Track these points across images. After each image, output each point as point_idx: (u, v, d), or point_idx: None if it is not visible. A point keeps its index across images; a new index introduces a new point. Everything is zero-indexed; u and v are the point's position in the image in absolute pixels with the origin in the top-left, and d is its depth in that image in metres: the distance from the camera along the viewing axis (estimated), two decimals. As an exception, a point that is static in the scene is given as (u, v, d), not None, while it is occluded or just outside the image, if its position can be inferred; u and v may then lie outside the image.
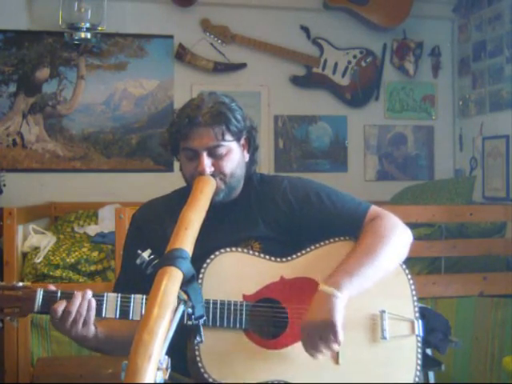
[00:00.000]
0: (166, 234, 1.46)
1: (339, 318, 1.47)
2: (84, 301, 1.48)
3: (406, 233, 1.67)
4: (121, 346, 1.53)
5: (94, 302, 1.48)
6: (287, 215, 1.68)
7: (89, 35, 3.90)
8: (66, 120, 4.10)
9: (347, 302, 1.52)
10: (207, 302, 1.51)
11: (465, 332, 3.13)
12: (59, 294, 1.49)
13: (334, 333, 1.47)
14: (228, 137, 1.65)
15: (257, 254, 1.61)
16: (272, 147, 4.37)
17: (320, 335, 1.47)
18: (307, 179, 1.79)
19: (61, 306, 1.47)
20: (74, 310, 1.47)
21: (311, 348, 1.49)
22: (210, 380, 1.48)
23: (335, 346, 1.48)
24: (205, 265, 1.56)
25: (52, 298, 1.49)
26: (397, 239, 1.63)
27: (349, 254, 1.59)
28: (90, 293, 1.49)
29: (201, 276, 1.54)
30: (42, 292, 1.49)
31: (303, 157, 4.42)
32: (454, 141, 4.58)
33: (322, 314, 1.47)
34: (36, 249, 3.11)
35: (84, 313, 1.48)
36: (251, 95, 4.26)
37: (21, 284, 1.51)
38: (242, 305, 1.54)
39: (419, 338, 1.62)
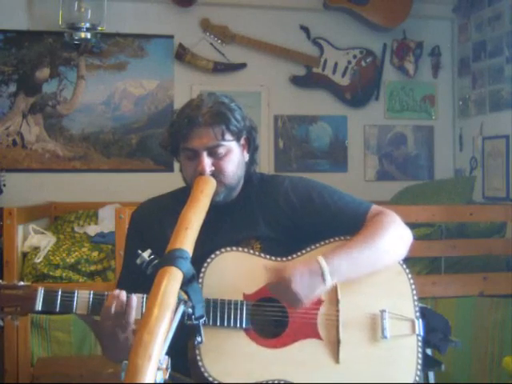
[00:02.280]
0: (165, 233, 1.46)
1: (310, 300, 1.51)
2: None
3: (406, 231, 1.67)
4: None
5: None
6: (289, 215, 1.68)
7: (89, 35, 3.90)
8: (66, 120, 4.10)
9: (347, 301, 1.52)
10: (207, 301, 1.51)
11: (465, 332, 3.13)
12: (60, 294, 1.49)
13: (296, 306, 1.51)
14: (228, 137, 1.65)
15: (257, 253, 1.61)
16: (272, 147, 4.37)
17: (285, 297, 1.51)
18: (308, 179, 1.79)
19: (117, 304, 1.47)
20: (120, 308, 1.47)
21: (271, 291, 1.52)
22: (210, 379, 1.48)
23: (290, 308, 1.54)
24: (205, 264, 1.56)
25: (52, 298, 1.49)
26: (395, 232, 1.64)
27: (349, 240, 1.60)
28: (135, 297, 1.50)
29: (201, 275, 1.54)
30: (42, 291, 1.49)
31: (303, 157, 4.42)
32: (454, 141, 4.58)
33: (301, 288, 1.48)
34: (36, 249, 3.11)
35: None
36: (251, 95, 4.26)
37: (22, 283, 1.52)
38: (242, 304, 1.54)
39: (420, 338, 1.62)
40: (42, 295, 1.49)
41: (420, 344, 1.61)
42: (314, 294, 1.50)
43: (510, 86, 3.93)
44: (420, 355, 1.60)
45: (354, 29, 4.43)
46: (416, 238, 1.71)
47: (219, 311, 1.52)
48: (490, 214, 3.33)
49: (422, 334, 1.62)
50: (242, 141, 1.71)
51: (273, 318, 1.57)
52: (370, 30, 4.44)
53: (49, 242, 3.17)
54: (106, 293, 1.51)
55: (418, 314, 1.63)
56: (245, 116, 1.70)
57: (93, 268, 3.08)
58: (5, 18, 3.97)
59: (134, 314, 1.47)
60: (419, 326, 1.62)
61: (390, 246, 1.62)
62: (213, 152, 1.63)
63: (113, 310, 1.46)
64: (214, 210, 1.58)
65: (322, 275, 1.49)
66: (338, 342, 1.56)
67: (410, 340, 1.61)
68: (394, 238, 1.63)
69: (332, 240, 1.64)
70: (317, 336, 1.57)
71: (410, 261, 1.68)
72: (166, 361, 1.11)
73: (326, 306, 1.59)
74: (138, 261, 1.41)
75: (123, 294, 1.48)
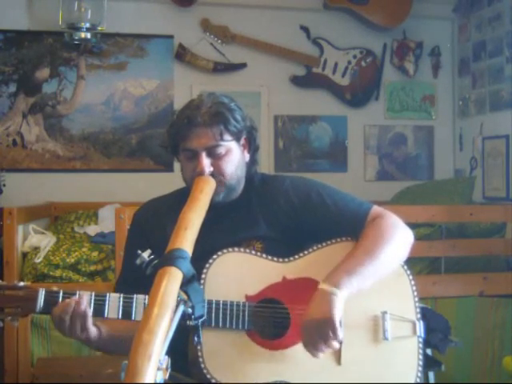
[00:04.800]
0: (166, 233, 1.46)
1: (337, 316, 1.46)
2: (79, 307, 1.47)
3: (407, 233, 1.66)
4: (126, 344, 1.54)
5: (88, 310, 1.48)
6: (289, 215, 1.68)
7: (89, 35, 3.90)
8: (65, 120, 4.10)
9: (348, 302, 1.52)
10: (209, 302, 1.50)
11: (465, 332, 3.13)
12: (61, 295, 1.49)
13: (333, 330, 1.45)
14: (227, 137, 1.64)
15: (259, 254, 1.61)
16: (272, 147, 4.37)
17: (320, 333, 1.47)
18: (309, 179, 1.79)
19: (58, 311, 1.48)
20: (67, 317, 1.47)
21: (312, 347, 1.49)
22: (212, 380, 1.48)
23: (335, 344, 1.48)
24: (207, 265, 1.55)
25: (54, 299, 1.49)
26: (397, 239, 1.62)
27: (349, 253, 1.58)
28: (85, 300, 1.49)
29: (203, 276, 1.53)
30: (43, 292, 1.49)
31: (303, 157, 4.42)
32: (454, 141, 4.58)
33: (321, 312, 1.46)
34: (36, 249, 3.11)
35: (78, 320, 1.48)
36: (251, 95, 4.26)
37: (22, 284, 1.51)
38: (244, 305, 1.54)
39: (420, 339, 1.61)
40: (43, 296, 1.48)
41: (421, 345, 1.61)
42: (335, 308, 1.46)
43: (510, 85, 3.93)
44: (421, 357, 1.60)
45: (354, 29, 4.43)
46: (416, 238, 1.71)
47: (221, 312, 1.52)
48: (490, 214, 3.33)
49: (422, 335, 1.62)
50: (242, 141, 1.71)
51: (274, 319, 1.57)
52: (370, 30, 4.44)
53: (49, 241, 3.17)
54: (107, 294, 1.51)
55: (418, 315, 1.63)
56: (245, 116, 1.70)
57: (93, 268, 3.08)
58: (5, 17, 3.97)
59: (83, 309, 1.47)
60: (420, 327, 1.62)
61: (392, 254, 1.60)
62: (212, 152, 1.63)
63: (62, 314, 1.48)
64: (215, 210, 1.58)
65: (332, 293, 1.48)
66: (340, 343, 1.56)
67: (411, 341, 1.61)
68: (396, 244, 1.61)
69: (334, 241, 1.63)
70: (318, 337, 1.56)
71: (410, 261, 1.67)
72: (165, 361, 1.11)
73: (327, 307, 1.58)
74: (138, 261, 1.41)
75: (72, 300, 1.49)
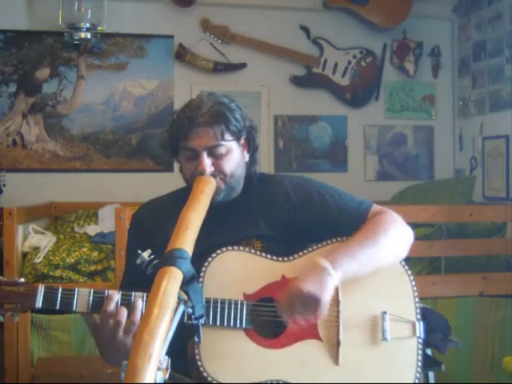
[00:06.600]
0: (166, 233, 1.46)
1: (327, 296, 1.47)
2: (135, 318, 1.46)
3: (408, 230, 1.67)
4: None
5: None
6: (289, 214, 1.68)
7: (89, 35, 3.90)
8: (65, 120, 4.10)
9: (347, 302, 1.52)
10: (208, 300, 1.50)
11: (465, 332, 3.13)
12: (60, 291, 1.50)
13: (318, 309, 1.46)
14: (227, 136, 1.65)
15: (258, 253, 1.61)
16: (272, 147, 4.37)
17: (303, 307, 1.47)
18: (308, 178, 1.79)
19: (116, 314, 1.46)
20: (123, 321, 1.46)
21: (287, 314, 1.49)
22: (209, 379, 1.48)
23: (311, 319, 1.49)
24: (206, 263, 1.55)
25: (53, 295, 1.49)
26: (397, 231, 1.63)
27: (349, 237, 1.59)
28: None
29: (202, 275, 1.53)
30: (43, 288, 1.49)
31: (303, 157, 4.42)
32: (454, 141, 4.59)
33: (313, 288, 1.46)
34: (36, 249, 3.11)
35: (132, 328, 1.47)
36: (251, 95, 4.26)
37: (22, 280, 1.52)
38: (242, 304, 1.54)
39: (420, 340, 1.61)
40: (42, 292, 1.49)
41: (420, 346, 1.61)
42: (327, 290, 1.47)
43: (510, 85, 3.93)
44: (420, 357, 1.59)
45: (354, 29, 4.43)
46: (416, 238, 1.71)
47: (219, 311, 1.52)
48: (490, 213, 3.32)
49: (422, 336, 1.62)
50: (242, 141, 1.71)
51: (273, 318, 1.57)
52: (370, 30, 4.44)
53: (49, 242, 3.17)
54: (106, 291, 1.51)
55: (418, 315, 1.63)
56: (245, 116, 1.70)
57: (93, 268, 3.08)
58: (5, 17, 3.97)
59: (139, 314, 1.46)
60: (420, 328, 1.62)
61: (390, 244, 1.61)
62: (213, 152, 1.64)
63: (111, 311, 1.46)
64: (215, 209, 1.58)
65: (327, 271, 1.48)
66: (338, 343, 1.56)
67: (411, 342, 1.60)
68: (395, 236, 1.62)
69: (334, 240, 1.63)
70: (317, 337, 1.56)
71: (410, 261, 1.67)
72: (165, 361, 1.11)
73: (327, 307, 1.58)
74: (138, 261, 1.41)
75: (116, 295, 1.48)
